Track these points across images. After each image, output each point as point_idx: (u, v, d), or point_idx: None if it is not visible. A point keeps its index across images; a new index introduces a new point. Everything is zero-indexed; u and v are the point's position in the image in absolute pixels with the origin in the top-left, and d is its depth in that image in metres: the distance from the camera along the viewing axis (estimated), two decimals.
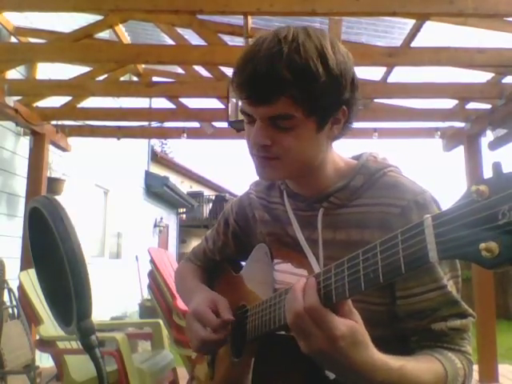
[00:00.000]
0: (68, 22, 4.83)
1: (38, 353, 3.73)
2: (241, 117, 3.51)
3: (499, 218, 0.50)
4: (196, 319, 1.01)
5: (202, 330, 0.99)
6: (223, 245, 1.23)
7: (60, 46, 3.61)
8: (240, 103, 0.92)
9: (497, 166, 0.53)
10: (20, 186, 4.86)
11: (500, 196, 0.51)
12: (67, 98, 4.80)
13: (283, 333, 0.86)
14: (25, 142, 4.90)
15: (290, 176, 0.96)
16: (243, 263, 1.17)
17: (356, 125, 0.97)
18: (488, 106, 4.63)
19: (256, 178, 1.19)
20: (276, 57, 0.81)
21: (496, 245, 0.50)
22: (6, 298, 3.42)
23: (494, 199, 0.51)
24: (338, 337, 0.68)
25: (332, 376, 0.83)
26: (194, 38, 4.03)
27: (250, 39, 3.75)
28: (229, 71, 3.99)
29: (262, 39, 0.85)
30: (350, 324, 0.69)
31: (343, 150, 1.01)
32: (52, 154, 5.11)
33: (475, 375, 4.61)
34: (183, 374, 3.70)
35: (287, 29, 0.86)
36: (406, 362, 0.75)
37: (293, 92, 0.82)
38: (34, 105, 4.62)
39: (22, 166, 4.89)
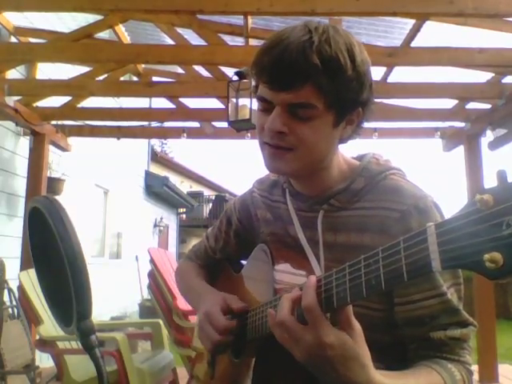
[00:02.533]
0: (68, 22, 4.84)
1: (38, 353, 3.73)
2: (241, 117, 3.49)
3: (503, 229, 0.49)
4: (208, 321, 1.00)
5: (213, 332, 0.98)
6: (225, 243, 1.22)
7: (60, 46, 3.61)
8: (257, 89, 0.90)
9: (502, 175, 0.52)
10: (20, 186, 4.86)
11: (504, 206, 0.50)
12: (67, 98, 4.80)
13: None
14: (25, 142, 4.90)
15: (298, 172, 0.93)
16: (244, 262, 1.17)
17: None
18: (488, 106, 4.63)
19: (258, 176, 1.19)
20: (306, 44, 0.81)
21: (500, 255, 0.49)
22: (6, 297, 3.42)
23: (499, 209, 0.50)
24: (326, 344, 0.67)
25: None
26: (193, 38, 4.03)
27: (250, 39, 3.76)
28: (229, 71, 3.99)
29: (291, 28, 0.85)
30: (342, 337, 0.68)
31: (344, 150, 1.01)
32: (52, 154, 5.11)
33: (475, 375, 4.61)
34: (183, 373, 3.70)
35: (317, 22, 0.86)
36: (405, 380, 0.74)
37: (319, 80, 0.81)
38: (34, 105, 4.62)
39: (22, 166, 4.89)
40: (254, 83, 0.94)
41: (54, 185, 4.99)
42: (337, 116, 0.87)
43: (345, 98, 0.85)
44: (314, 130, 0.86)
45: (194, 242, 15.82)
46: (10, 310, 3.49)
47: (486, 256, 0.50)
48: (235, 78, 3.42)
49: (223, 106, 4.24)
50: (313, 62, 0.80)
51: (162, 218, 11.88)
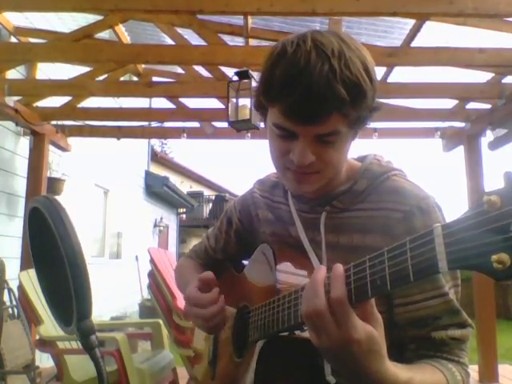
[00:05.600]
0: (68, 22, 4.83)
1: (38, 353, 3.73)
2: (241, 117, 3.46)
3: (511, 230, 0.50)
4: (192, 304, 1.02)
5: (200, 310, 0.99)
6: (225, 243, 1.23)
7: (60, 46, 3.61)
8: (273, 118, 0.86)
9: (509, 176, 0.52)
10: (20, 185, 4.86)
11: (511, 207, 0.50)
12: (67, 98, 4.80)
13: (286, 334, 0.85)
14: (25, 142, 4.90)
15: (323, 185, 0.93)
16: (245, 262, 1.17)
17: None
18: (488, 106, 4.63)
19: (258, 176, 1.19)
20: (330, 75, 0.78)
21: (508, 256, 0.49)
22: (6, 297, 3.42)
23: (506, 210, 0.50)
24: (354, 340, 0.65)
25: (333, 381, 0.82)
26: (193, 38, 4.03)
27: (250, 39, 3.76)
28: (229, 71, 3.99)
29: (305, 52, 0.79)
30: (370, 331, 0.66)
31: None
32: (52, 153, 5.11)
33: (475, 375, 4.61)
34: (183, 374, 3.70)
35: (327, 40, 0.81)
36: (413, 373, 0.74)
37: (346, 109, 0.81)
38: (34, 105, 4.62)
39: (22, 166, 4.89)
40: (259, 101, 0.90)
41: (54, 185, 4.99)
42: (356, 131, 0.89)
43: (365, 115, 0.86)
44: (338, 151, 0.87)
45: (194, 241, 15.83)
46: (9, 309, 3.49)
47: (494, 257, 0.50)
48: (235, 78, 3.42)
49: (223, 106, 4.23)
50: (340, 95, 0.78)
51: (162, 218, 11.88)
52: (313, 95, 0.78)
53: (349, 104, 0.80)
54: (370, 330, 0.66)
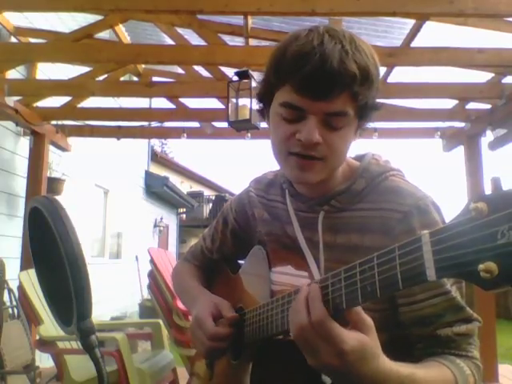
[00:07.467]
0: (68, 21, 4.84)
1: (38, 353, 3.73)
2: (241, 117, 3.44)
3: (498, 238, 0.48)
4: (198, 327, 1.01)
5: (204, 338, 0.98)
6: (221, 243, 1.22)
7: (60, 46, 3.61)
8: (282, 97, 0.86)
9: (496, 182, 0.51)
10: (20, 185, 4.86)
11: (499, 215, 0.49)
12: (67, 98, 4.80)
13: (281, 337, 0.85)
14: (25, 142, 4.90)
15: (324, 179, 0.91)
16: (241, 262, 1.17)
17: None
18: (488, 106, 4.63)
19: (256, 175, 1.19)
20: (343, 53, 0.80)
21: (495, 265, 0.48)
22: (6, 297, 3.42)
23: (493, 218, 0.49)
24: (346, 351, 0.65)
25: (329, 381, 0.82)
26: (193, 38, 4.03)
27: (250, 39, 3.76)
28: (229, 71, 3.99)
29: (318, 34, 0.82)
30: (360, 338, 0.66)
31: None
32: (52, 153, 5.11)
33: None
34: (183, 374, 3.69)
35: (339, 29, 0.86)
36: (416, 369, 0.74)
37: (355, 89, 0.81)
38: (34, 105, 4.62)
39: (22, 166, 4.88)
40: (266, 86, 0.90)
41: (54, 185, 4.98)
42: (359, 122, 0.89)
43: (370, 104, 0.86)
44: (343, 139, 0.87)
45: (193, 242, 15.74)
46: (10, 310, 3.49)
47: (481, 266, 0.49)
48: (235, 78, 3.42)
49: (223, 106, 4.24)
50: (352, 72, 0.80)
51: (161, 218, 11.87)
52: (326, 69, 0.79)
53: (359, 84, 0.81)
54: (361, 337, 0.67)
